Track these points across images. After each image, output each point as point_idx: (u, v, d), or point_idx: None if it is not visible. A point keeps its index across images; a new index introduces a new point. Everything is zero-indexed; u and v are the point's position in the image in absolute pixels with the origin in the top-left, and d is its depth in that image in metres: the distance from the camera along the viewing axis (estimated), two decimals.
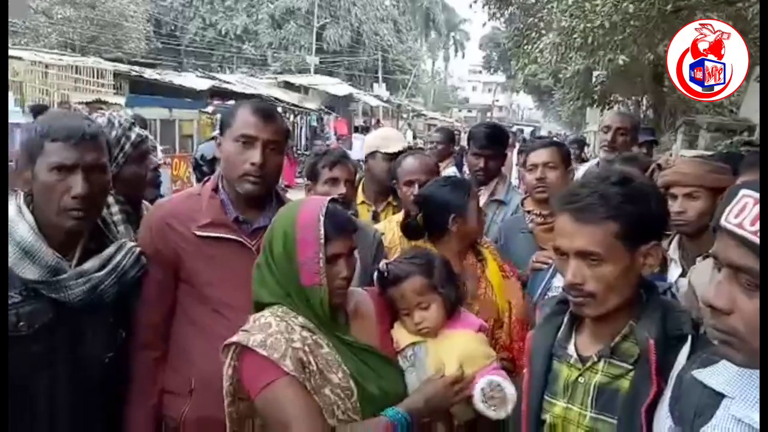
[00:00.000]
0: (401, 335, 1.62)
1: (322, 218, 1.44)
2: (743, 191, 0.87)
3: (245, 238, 1.74)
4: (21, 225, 1.48)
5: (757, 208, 0.84)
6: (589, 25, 6.59)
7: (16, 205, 1.52)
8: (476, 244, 2.14)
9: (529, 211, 2.64)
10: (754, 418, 0.87)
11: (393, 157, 2.84)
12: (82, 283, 1.51)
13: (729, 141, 6.17)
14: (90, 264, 1.54)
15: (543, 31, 8.23)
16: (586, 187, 1.30)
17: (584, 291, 1.26)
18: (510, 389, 1.52)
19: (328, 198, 1.55)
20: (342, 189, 2.26)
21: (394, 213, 2.82)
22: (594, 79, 12.31)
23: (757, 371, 0.90)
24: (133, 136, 2.07)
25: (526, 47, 9.19)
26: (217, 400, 1.52)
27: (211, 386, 1.59)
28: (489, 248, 2.19)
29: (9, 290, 1.44)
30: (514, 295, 2.10)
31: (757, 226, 0.83)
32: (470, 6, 11.79)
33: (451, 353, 1.57)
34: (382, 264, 1.70)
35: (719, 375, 0.97)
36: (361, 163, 3.36)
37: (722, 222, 0.89)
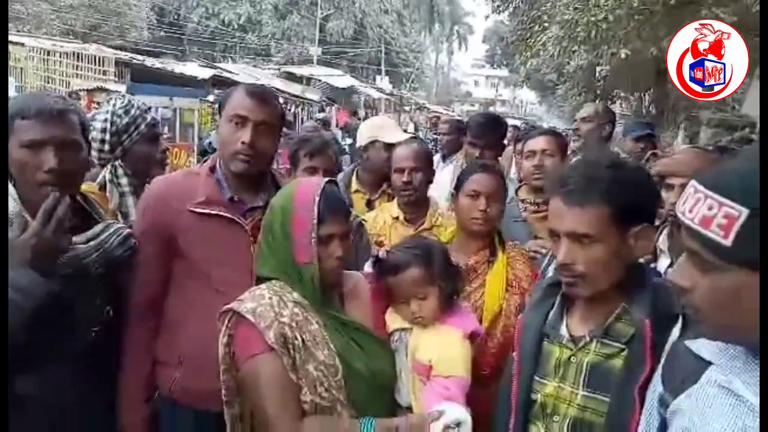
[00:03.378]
0: (392, 319, 1.65)
1: (317, 198, 1.47)
2: (692, 181, 0.94)
3: (239, 216, 1.77)
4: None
5: (697, 197, 0.91)
6: (592, 18, 6.55)
7: None
8: (498, 243, 2.01)
9: (523, 200, 2.64)
10: (733, 382, 0.91)
11: (393, 146, 2.80)
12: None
13: (730, 137, 6.15)
14: (75, 239, 1.55)
15: (546, 24, 8.18)
16: (577, 170, 1.32)
17: (575, 271, 1.29)
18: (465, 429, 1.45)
19: (326, 179, 1.58)
20: (320, 178, 2.25)
21: (388, 201, 2.82)
22: (597, 74, 12.25)
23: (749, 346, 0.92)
24: (148, 117, 2.30)
25: (528, 41, 9.14)
26: (205, 370, 1.58)
27: (200, 357, 1.67)
28: (512, 254, 2.01)
29: None
30: (514, 313, 1.86)
31: (694, 213, 0.91)
32: None
33: (428, 349, 1.57)
34: (381, 251, 1.71)
35: (709, 345, 1.00)
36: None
37: (676, 210, 0.97)
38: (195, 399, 1.72)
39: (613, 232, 1.27)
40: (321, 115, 14.06)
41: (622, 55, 7.01)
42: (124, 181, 2.21)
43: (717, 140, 6.26)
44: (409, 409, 1.57)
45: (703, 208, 0.89)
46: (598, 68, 11.68)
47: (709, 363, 0.98)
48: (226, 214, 1.76)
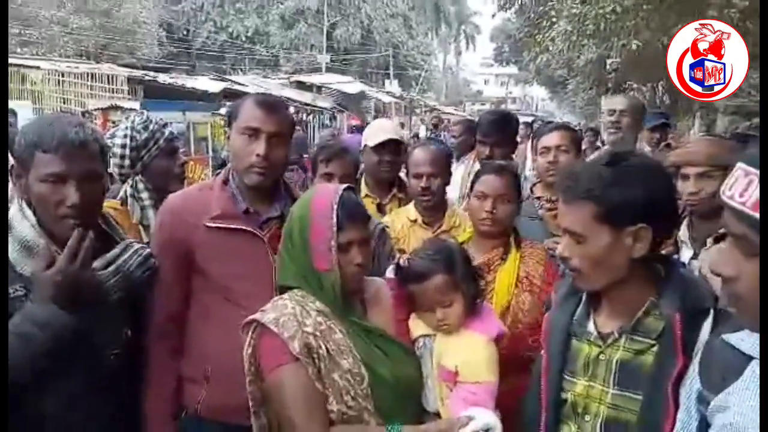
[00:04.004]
0: (415, 325, 1.63)
1: (335, 206, 1.47)
2: (738, 164, 0.91)
3: (256, 228, 1.77)
4: (23, 223, 1.49)
5: (748, 179, 0.88)
6: (600, 11, 6.53)
7: (18, 205, 1.53)
8: (513, 242, 2.04)
9: (538, 198, 2.62)
10: None
11: (379, 148, 2.77)
12: None
13: (748, 123, 6.05)
14: (94, 264, 1.53)
15: (554, 19, 8.14)
16: (578, 169, 1.33)
17: (572, 266, 1.31)
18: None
19: (344, 186, 1.57)
20: (337, 184, 2.25)
21: (400, 205, 2.81)
22: (608, 67, 12.14)
23: None
24: (166, 132, 2.33)
25: (537, 36, 9.10)
26: (232, 386, 1.56)
27: (225, 372, 1.65)
28: (526, 252, 2.03)
29: (12, 284, 1.43)
30: (522, 310, 1.92)
31: (746, 197, 0.87)
32: None
33: (454, 355, 1.56)
34: (402, 259, 1.70)
35: (749, 338, 0.98)
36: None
37: (720, 195, 0.93)
38: (222, 414, 1.71)
39: (605, 230, 1.26)
40: (355, 122, 14.17)
41: (633, 47, 6.94)
42: (145, 195, 2.25)
43: (734, 127, 6.16)
44: (437, 415, 1.55)
45: (757, 191, 0.86)
46: (608, 61, 11.57)
47: (750, 357, 0.96)
48: (242, 227, 1.75)
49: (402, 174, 2.98)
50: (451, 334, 1.59)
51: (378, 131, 2.92)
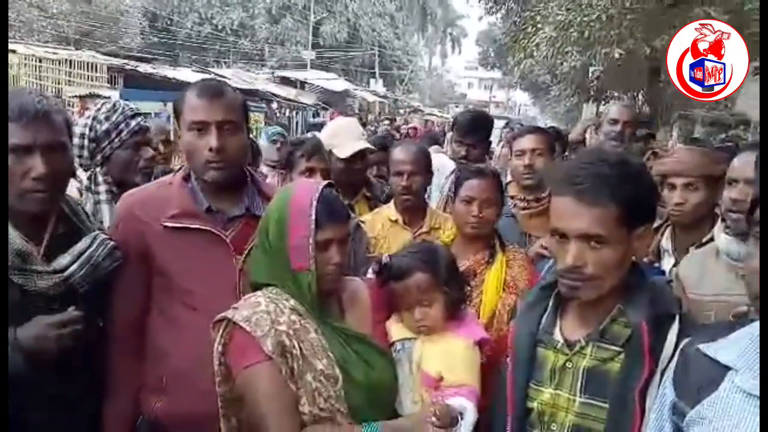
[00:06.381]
0: (395, 328, 1.60)
1: (314, 203, 1.42)
2: None
3: (218, 228, 1.66)
4: None
5: None
6: (585, 18, 6.58)
7: None
8: (498, 245, 2.06)
9: (512, 197, 2.63)
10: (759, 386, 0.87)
11: (349, 160, 2.63)
12: (51, 272, 1.48)
13: (724, 135, 6.17)
14: (62, 261, 1.49)
15: (539, 25, 8.19)
16: (585, 168, 1.25)
17: (584, 274, 1.24)
18: (470, 417, 1.43)
19: (324, 183, 1.52)
20: (319, 179, 2.21)
21: (368, 204, 2.78)
22: (590, 75, 12.29)
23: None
24: (132, 123, 2.21)
25: (522, 41, 9.14)
26: (191, 394, 1.52)
27: (185, 380, 1.58)
28: (511, 256, 2.05)
29: None
30: (508, 312, 1.91)
31: None
32: (467, 1, 11.79)
33: (436, 360, 1.53)
34: (384, 257, 1.67)
35: (726, 349, 0.97)
36: None
37: None
38: (178, 423, 1.64)
39: (622, 232, 1.23)
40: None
41: (616, 55, 7.02)
42: (101, 188, 2.14)
43: (711, 139, 6.29)
44: None
45: None
46: (591, 69, 11.72)
47: (728, 368, 0.95)
48: (202, 227, 1.64)
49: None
50: (432, 338, 1.56)
51: (346, 140, 2.72)
